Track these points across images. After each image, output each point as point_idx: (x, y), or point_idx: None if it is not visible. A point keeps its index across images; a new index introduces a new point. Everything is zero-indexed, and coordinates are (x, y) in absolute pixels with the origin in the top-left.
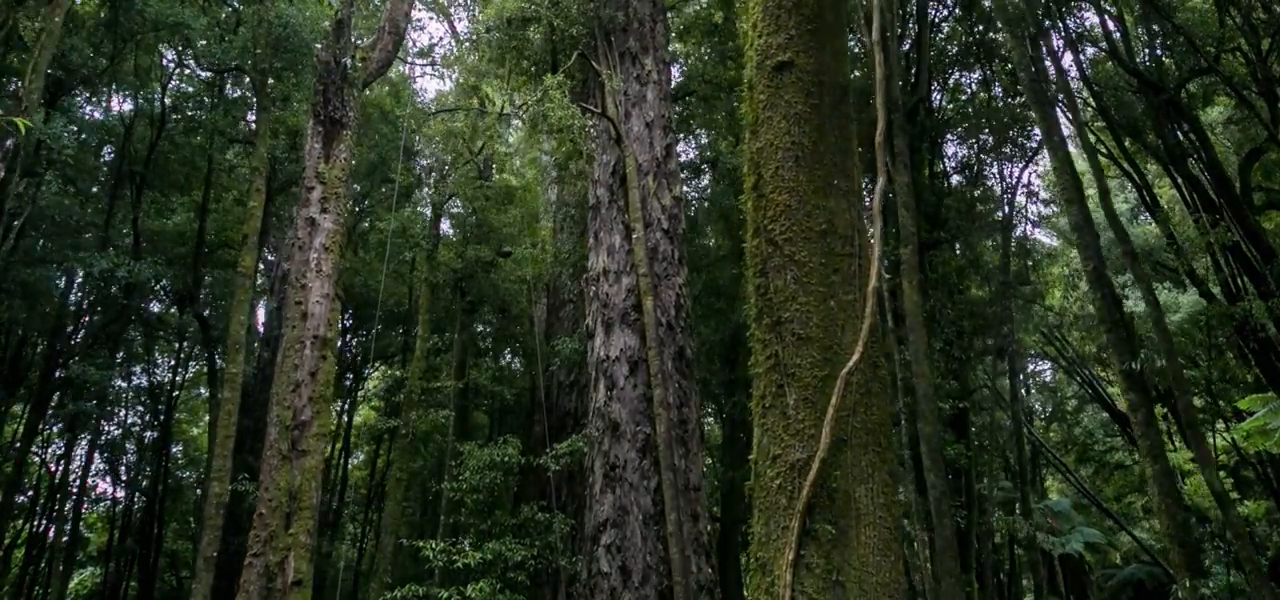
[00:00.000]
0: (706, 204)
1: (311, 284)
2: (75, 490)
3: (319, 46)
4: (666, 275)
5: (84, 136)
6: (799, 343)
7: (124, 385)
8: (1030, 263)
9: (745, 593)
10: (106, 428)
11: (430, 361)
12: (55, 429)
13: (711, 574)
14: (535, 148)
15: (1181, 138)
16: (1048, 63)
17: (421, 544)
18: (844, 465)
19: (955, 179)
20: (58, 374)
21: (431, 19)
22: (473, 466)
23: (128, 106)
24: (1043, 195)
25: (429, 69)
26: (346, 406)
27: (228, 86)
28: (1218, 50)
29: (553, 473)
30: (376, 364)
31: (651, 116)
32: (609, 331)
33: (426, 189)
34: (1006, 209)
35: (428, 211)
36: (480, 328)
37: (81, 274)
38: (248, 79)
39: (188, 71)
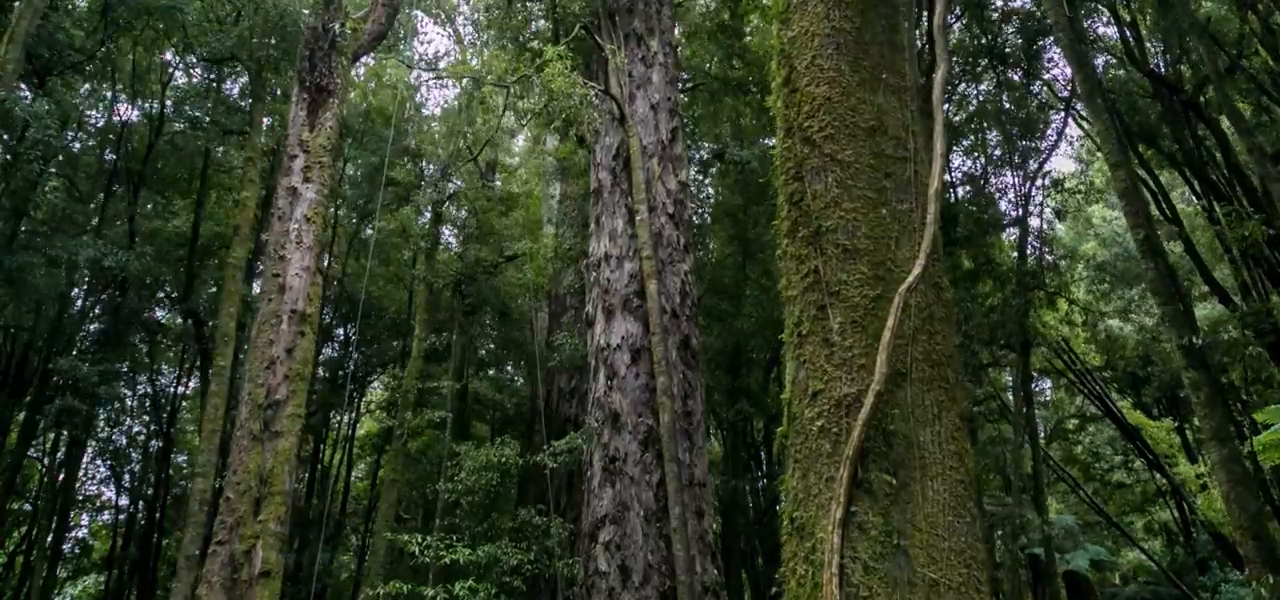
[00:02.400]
0: (710, 206)
1: (291, 255)
2: (72, 494)
3: (306, 12)
4: (671, 260)
5: (91, 143)
6: (845, 256)
7: (129, 394)
8: (1046, 261)
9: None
10: (108, 435)
11: (428, 366)
12: (58, 437)
13: (717, 575)
14: (538, 152)
15: (1199, 145)
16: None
17: (407, 538)
18: (903, 403)
19: (963, 190)
20: (56, 378)
21: (438, 33)
22: (469, 467)
23: (134, 115)
24: (1062, 190)
25: (433, 81)
26: (350, 419)
27: (227, 84)
28: (1238, 50)
29: (550, 470)
30: (377, 371)
31: (657, 99)
32: (610, 318)
33: (427, 188)
34: (1021, 209)
35: (428, 211)
36: (481, 336)
37: (86, 282)
38: (246, 74)
39: (193, 78)
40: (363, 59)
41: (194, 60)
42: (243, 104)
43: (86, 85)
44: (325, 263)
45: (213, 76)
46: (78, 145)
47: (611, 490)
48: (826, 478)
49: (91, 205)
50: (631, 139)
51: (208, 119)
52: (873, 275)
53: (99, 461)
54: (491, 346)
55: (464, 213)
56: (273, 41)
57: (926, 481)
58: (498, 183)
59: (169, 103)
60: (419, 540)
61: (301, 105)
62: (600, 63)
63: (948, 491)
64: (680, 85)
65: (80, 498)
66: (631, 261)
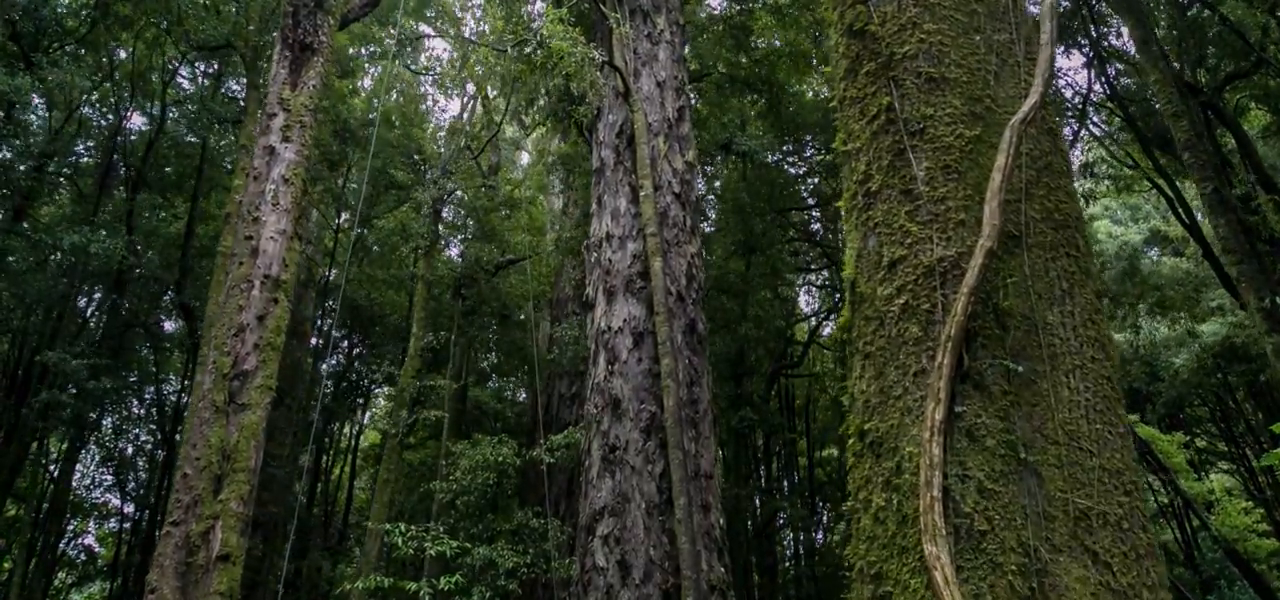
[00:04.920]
0: (715, 215)
1: (266, 218)
2: (67, 498)
3: None
4: (677, 242)
5: (93, 148)
6: (929, 87)
7: (136, 402)
8: None
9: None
10: (113, 444)
11: (428, 371)
12: (44, 438)
13: (724, 574)
14: (542, 157)
15: (1218, 147)
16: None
17: (390, 528)
18: (1020, 272)
19: None
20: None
21: (445, 49)
22: (465, 466)
23: (137, 119)
24: (1091, 174)
25: (437, 91)
26: (354, 431)
27: (229, 83)
28: (1261, 49)
29: (547, 467)
30: (377, 375)
31: (663, 76)
32: (611, 300)
33: (428, 186)
34: None
35: (427, 211)
36: (480, 339)
37: (83, 281)
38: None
39: (198, 83)
40: (368, 70)
41: (194, 56)
42: (239, 97)
43: (90, 89)
44: (329, 274)
45: (215, 72)
46: (80, 148)
47: (611, 480)
48: (915, 372)
49: (96, 209)
50: (636, 114)
51: (202, 102)
52: (968, 111)
53: (105, 469)
54: (492, 356)
55: (465, 215)
56: (273, 34)
57: (1058, 376)
58: (502, 191)
59: (170, 107)
60: (402, 530)
61: (283, 63)
62: (603, 37)
63: (1090, 391)
64: (688, 79)
65: (87, 505)
66: (635, 241)
